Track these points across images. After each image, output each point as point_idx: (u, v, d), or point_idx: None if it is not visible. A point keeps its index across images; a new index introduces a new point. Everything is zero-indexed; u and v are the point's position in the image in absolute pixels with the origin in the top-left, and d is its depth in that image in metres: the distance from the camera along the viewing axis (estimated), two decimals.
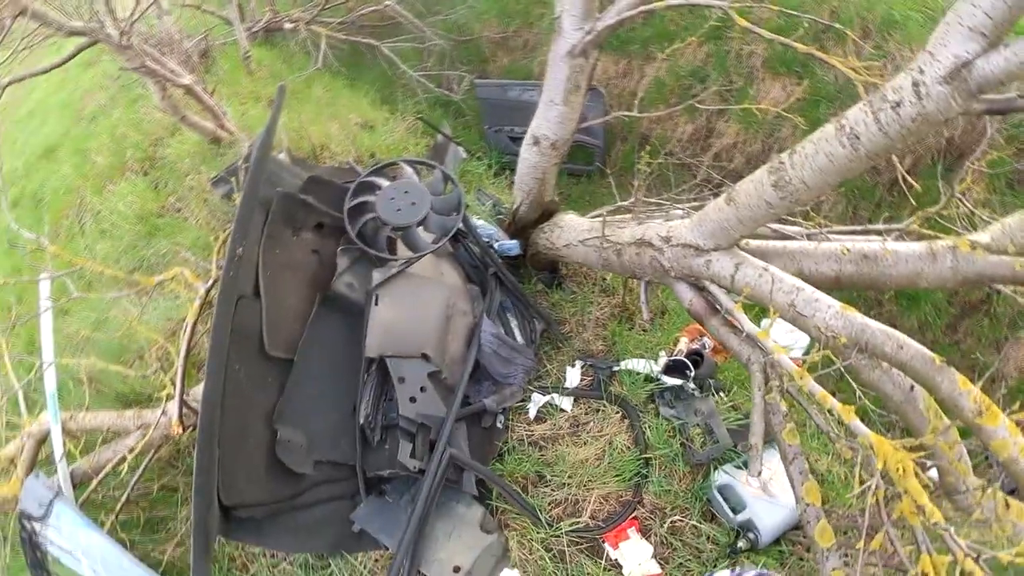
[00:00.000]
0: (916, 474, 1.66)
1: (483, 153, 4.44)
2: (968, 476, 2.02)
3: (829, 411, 1.93)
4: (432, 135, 4.24)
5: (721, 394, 2.91)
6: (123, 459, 2.65)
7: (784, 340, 3.36)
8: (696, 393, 2.84)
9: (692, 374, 2.82)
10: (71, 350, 3.44)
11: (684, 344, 3.02)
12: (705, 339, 3.06)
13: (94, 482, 2.82)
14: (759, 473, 2.02)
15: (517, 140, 4.49)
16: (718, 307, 2.33)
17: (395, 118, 4.20)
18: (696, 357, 2.89)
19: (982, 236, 1.91)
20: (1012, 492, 1.94)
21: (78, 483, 2.92)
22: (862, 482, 1.75)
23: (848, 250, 2.26)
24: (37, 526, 2.80)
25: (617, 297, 3.10)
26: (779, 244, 2.42)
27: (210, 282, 2.46)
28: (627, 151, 4.13)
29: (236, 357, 2.30)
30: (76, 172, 5.08)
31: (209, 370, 2.16)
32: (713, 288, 2.29)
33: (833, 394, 1.85)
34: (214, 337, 2.17)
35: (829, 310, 2.05)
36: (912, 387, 2.13)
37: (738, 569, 1.04)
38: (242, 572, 2.80)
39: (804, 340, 3.11)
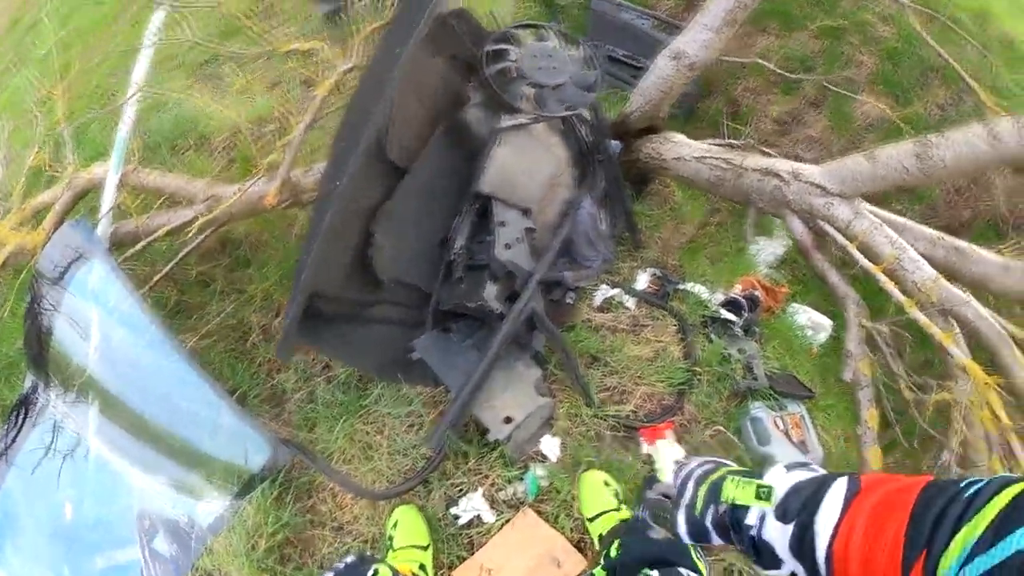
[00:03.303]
0: None
1: None
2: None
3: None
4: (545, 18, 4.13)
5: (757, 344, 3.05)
6: (190, 222, 2.54)
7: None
8: (740, 334, 2.97)
9: (746, 315, 2.95)
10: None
11: (739, 291, 3.15)
12: (756, 292, 3.19)
13: (139, 245, 2.69)
14: (848, 378, 2.18)
15: (614, 61, 4.50)
16: (823, 244, 2.50)
17: None
18: (751, 302, 3.02)
19: None
20: None
21: (116, 245, 2.77)
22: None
23: (943, 237, 2.47)
24: (48, 290, 2.57)
25: (689, 227, 3.20)
26: (887, 213, 2.60)
27: (349, 65, 2.38)
28: (713, 110, 4.19)
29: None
30: None
31: (350, 144, 2.12)
32: (828, 228, 2.43)
33: None
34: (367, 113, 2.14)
35: (928, 271, 2.25)
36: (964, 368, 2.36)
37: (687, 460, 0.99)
38: (268, 377, 2.76)
39: (823, 336, 3.30)
